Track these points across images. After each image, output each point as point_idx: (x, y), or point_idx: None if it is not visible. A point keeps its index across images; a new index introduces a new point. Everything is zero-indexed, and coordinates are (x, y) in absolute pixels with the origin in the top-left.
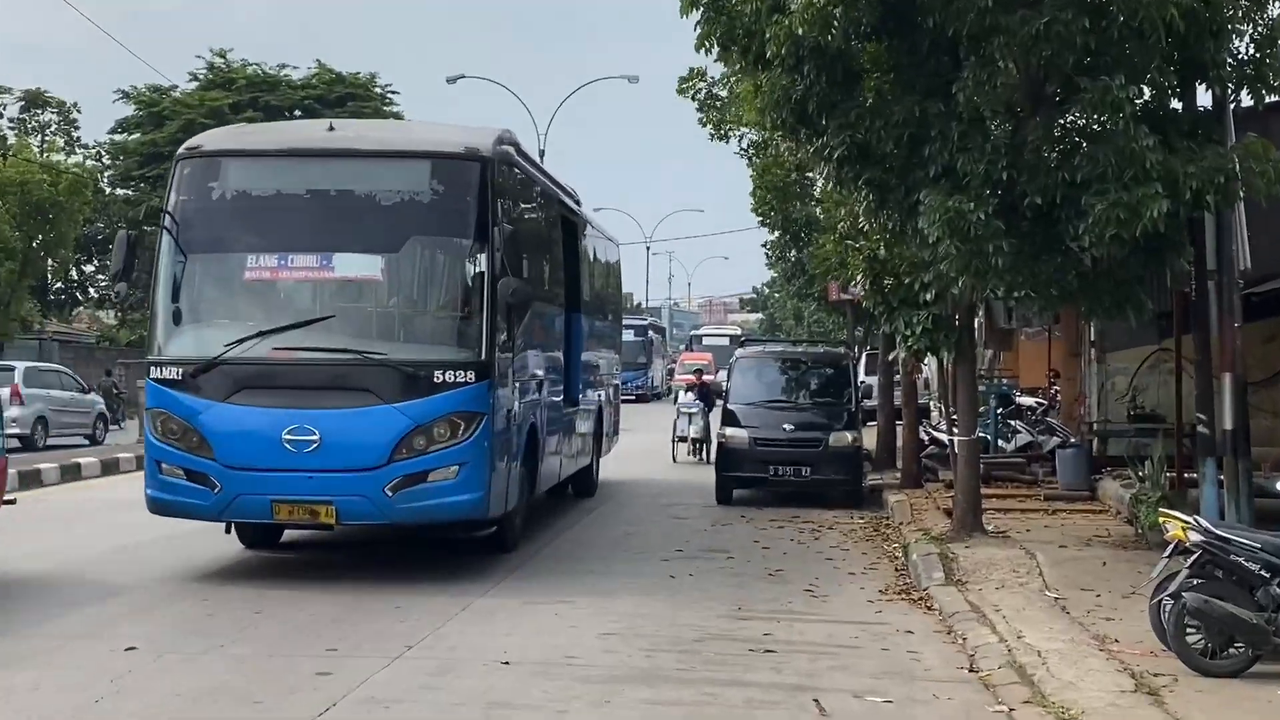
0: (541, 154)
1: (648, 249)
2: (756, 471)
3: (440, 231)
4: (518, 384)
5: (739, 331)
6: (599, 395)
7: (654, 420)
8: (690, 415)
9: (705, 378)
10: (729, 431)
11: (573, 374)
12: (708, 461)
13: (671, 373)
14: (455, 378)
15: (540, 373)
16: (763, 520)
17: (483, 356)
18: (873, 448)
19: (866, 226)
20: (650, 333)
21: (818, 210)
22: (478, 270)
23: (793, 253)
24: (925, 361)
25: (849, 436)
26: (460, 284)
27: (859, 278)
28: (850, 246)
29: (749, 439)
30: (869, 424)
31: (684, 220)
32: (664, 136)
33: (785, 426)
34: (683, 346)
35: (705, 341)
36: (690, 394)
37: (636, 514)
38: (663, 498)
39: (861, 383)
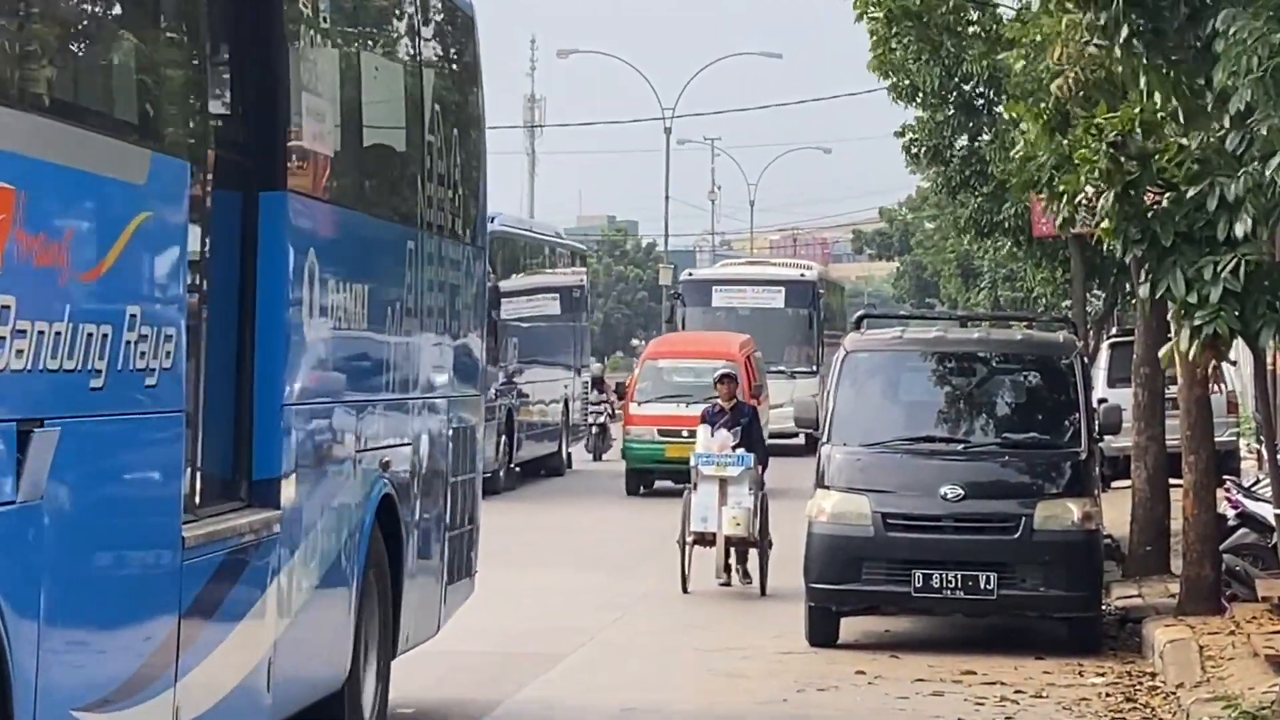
0: None
1: (668, 132)
2: (888, 581)
3: None
4: None
5: (815, 277)
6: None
7: (578, 527)
8: (722, 482)
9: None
10: (833, 503)
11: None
12: (761, 587)
13: (621, 389)
14: None
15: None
16: (901, 680)
17: None
18: (1123, 531)
19: (1108, 83)
20: (575, 277)
21: (1011, 58)
22: None
23: (960, 141)
24: (1231, 359)
25: (1076, 510)
26: None
27: (1092, 189)
28: (1081, 120)
29: (874, 516)
30: (1115, 484)
31: (745, 77)
32: None
33: (945, 491)
34: (675, 317)
35: (727, 300)
36: (719, 431)
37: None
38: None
39: (1100, 400)
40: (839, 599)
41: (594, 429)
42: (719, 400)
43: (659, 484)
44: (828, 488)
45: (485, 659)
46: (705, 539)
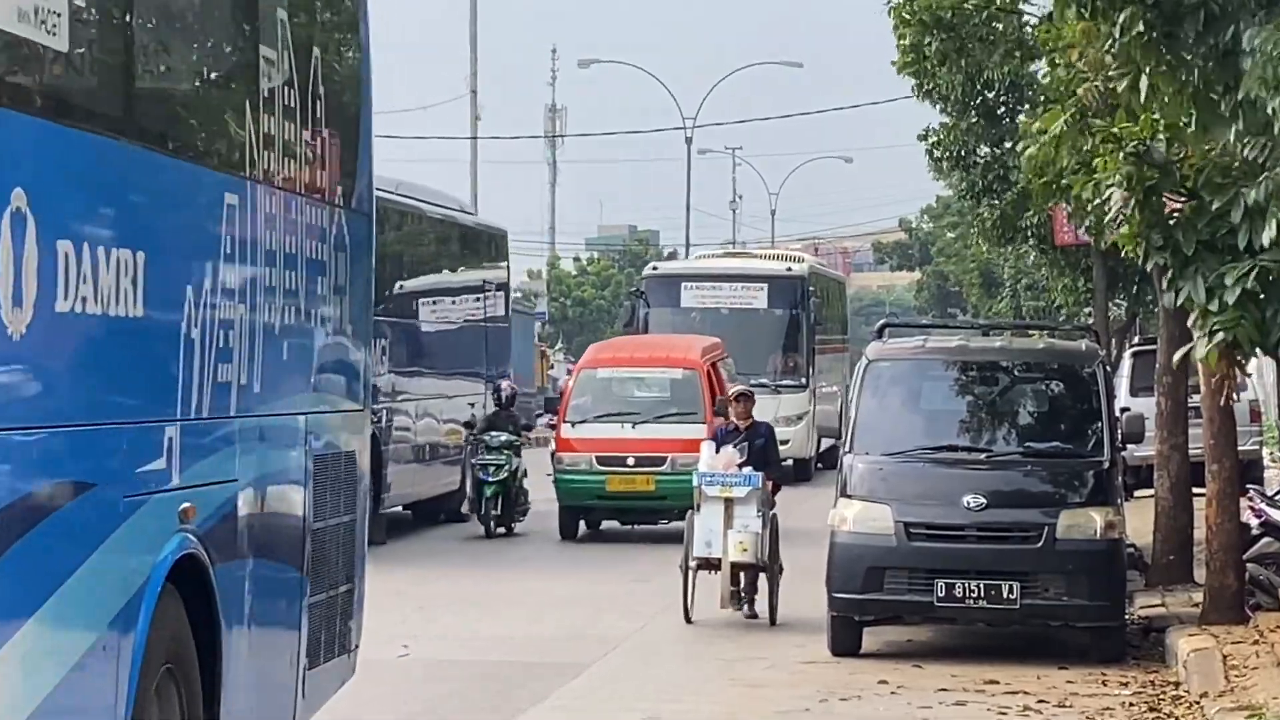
0: None
1: (689, 142)
2: (911, 590)
3: None
4: None
5: (804, 272)
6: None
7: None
8: (728, 503)
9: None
10: (855, 512)
11: None
12: (771, 617)
13: (551, 404)
14: None
15: None
16: (924, 690)
17: None
18: (1146, 540)
19: (1129, 93)
20: (490, 267)
21: (1038, 71)
22: None
23: (982, 149)
24: (1249, 370)
25: (1099, 519)
26: None
27: (1115, 195)
28: (1099, 131)
29: (896, 526)
30: (1138, 493)
31: (766, 86)
32: None
33: (968, 500)
34: (635, 319)
35: (699, 299)
36: (726, 449)
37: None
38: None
39: (1123, 410)
40: (861, 608)
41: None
42: (734, 420)
43: (605, 524)
44: (850, 497)
45: (506, 668)
46: (710, 564)
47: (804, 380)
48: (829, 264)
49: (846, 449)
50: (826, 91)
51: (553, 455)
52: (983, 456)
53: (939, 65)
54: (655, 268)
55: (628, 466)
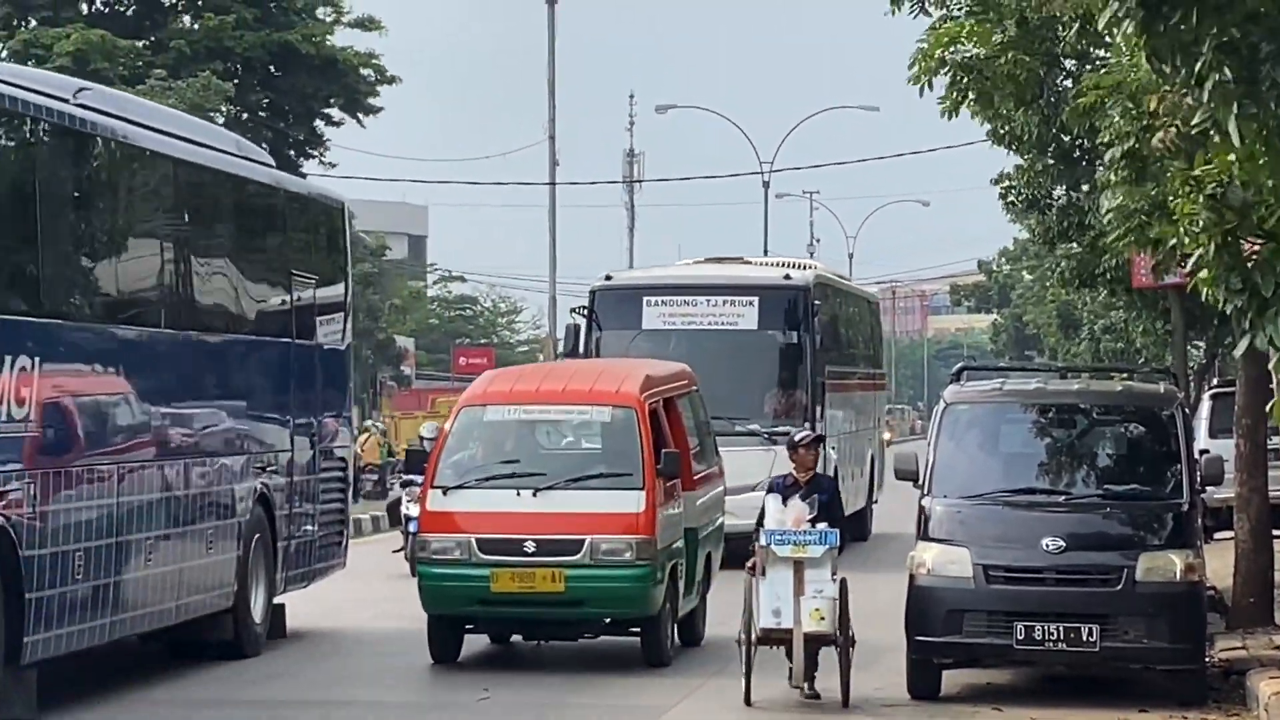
0: None
1: (766, 186)
2: (989, 633)
3: None
4: None
5: (807, 281)
6: None
7: None
8: (798, 565)
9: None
10: (934, 555)
11: None
12: (844, 696)
13: (414, 460)
14: None
15: None
16: None
17: None
18: (1226, 583)
19: (1210, 129)
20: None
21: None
22: None
23: (1058, 191)
24: None
25: (1178, 562)
26: None
27: (1190, 239)
28: (1177, 175)
29: (975, 569)
30: (1217, 536)
31: (842, 130)
32: None
33: (1047, 543)
34: (580, 345)
35: (666, 318)
36: (795, 502)
37: None
38: None
39: (1202, 451)
40: (940, 651)
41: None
42: (792, 472)
43: (477, 641)
44: (929, 540)
45: (587, 711)
46: (777, 637)
47: (807, 422)
48: (907, 306)
49: (925, 491)
50: (903, 134)
51: (414, 536)
52: (1061, 499)
53: (1013, 107)
54: (609, 277)
55: (524, 555)
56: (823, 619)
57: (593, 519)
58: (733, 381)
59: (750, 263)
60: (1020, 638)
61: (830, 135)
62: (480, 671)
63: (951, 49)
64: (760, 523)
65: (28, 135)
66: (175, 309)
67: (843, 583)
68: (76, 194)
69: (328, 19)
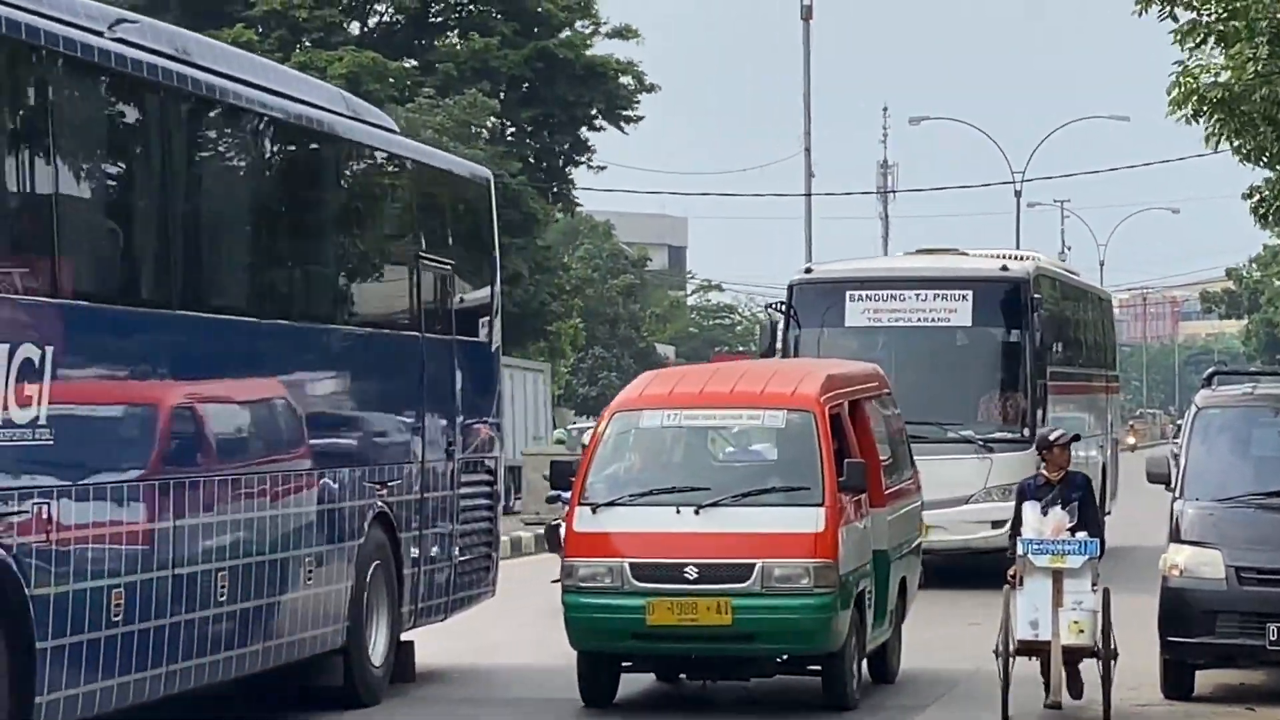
0: (806, 12)
1: (1018, 195)
2: (1242, 634)
3: None
4: None
5: (1026, 273)
6: None
7: None
8: (1057, 575)
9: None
10: (1186, 557)
11: None
12: (1105, 711)
13: (561, 472)
14: None
15: None
16: None
17: None
18: None
19: None
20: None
21: None
22: None
23: None
24: None
25: None
26: None
27: None
28: None
29: (1227, 570)
30: None
31: (1093, 139)
32: None
33: None
34: (777, 344)
35: (871, 314)
36: (1055, 510)
37: None
38: None
39: None
40: (1193, 652)
41: None
42: (1042, 472)
43: (642, 681)
44: (1181, 542)
45: None
46: (1034, 649)
47: (1027, 432)
48: (1158, 313)
49: (1177, 495)
50: (1153, 142)
51: (561, 562)
52: None
53: (1262, 123)
54: (809, 269)
55: (685, 582)
56: (1081, 631)
57: (764, 540)
58: (945, 383)
59: (965, 254)
60: (1273, 639)
61: (1081, 143)
62: (638, 716)
63: (1206, 77)
64: (1016, 531)
65: (42, 80)
66: (252, 293)
67: (1105, 593)
68: (114, 152)
69: (586, 30)
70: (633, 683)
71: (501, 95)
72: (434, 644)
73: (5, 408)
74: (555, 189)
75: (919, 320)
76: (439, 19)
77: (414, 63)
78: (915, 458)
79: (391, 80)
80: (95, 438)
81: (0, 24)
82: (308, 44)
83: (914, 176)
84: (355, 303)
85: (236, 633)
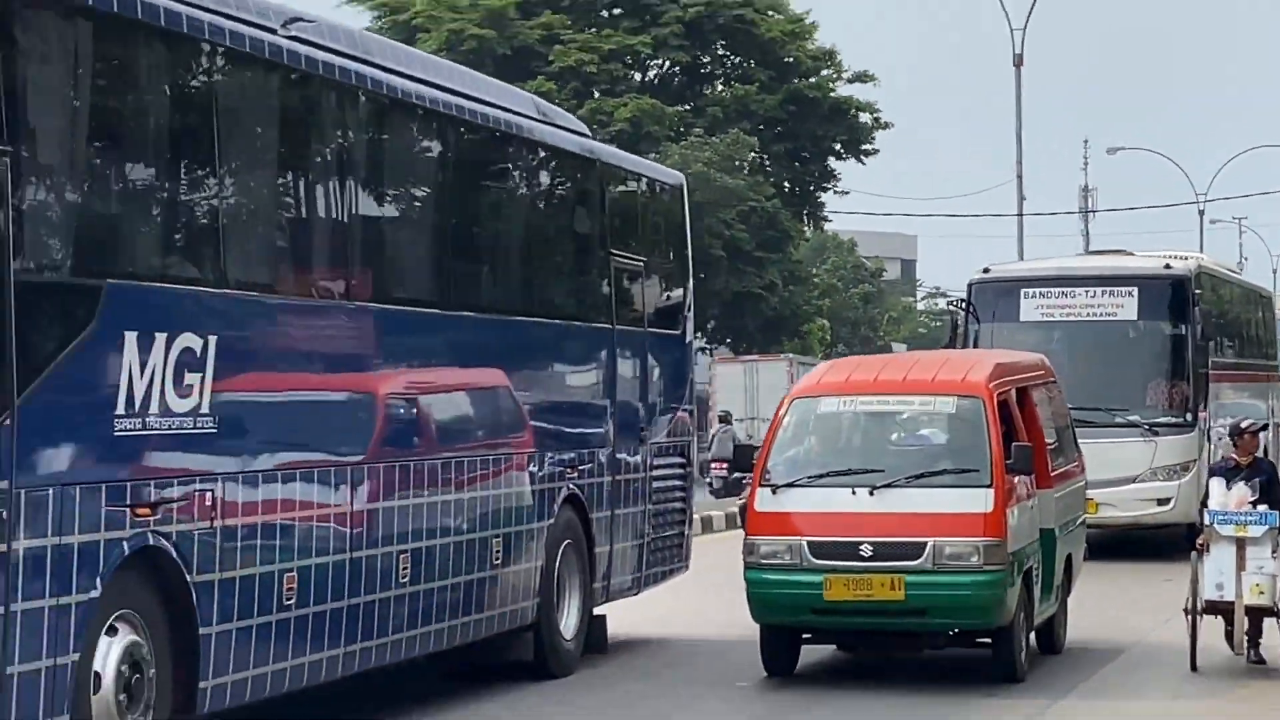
0: (1018, 60)
1: (1201, 214)
2: None
3: None
4: None
5: (1189, 271)
6: None
7: None
8: (1240, 543)
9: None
10: None
11: None
12: None
13: (743, 455)
14: None
15: None
16: None
17: None
18: None
19: None
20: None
21: None
22: None
23: None
24: None
25: None
26: None
27: None
28: None
29: None
30: None
31: (1272, 162)
32: None
33: None
34: (958, 339)
35: (1043, 309)
36: (1238, 485)
37: None
38: None
39: None
40: None
41: None
42: (1234, 456)
43: (823, 652)
44: None
45: None
46: (1219, 608)
47: (1189, 418)
48: None
49: None
50: None
51: (744, 541)
52: None
53: None
54: (987, 270)
55: (860, 559)
56: (1262, 593)
57: (936, 520)
58: (1112, 372)
59: (1131, 254)
60: None
61: (1260, 167)
62: (818, 685)
63: None
64: (1204, 504)
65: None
66: (440, 285)
67: None
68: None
69: (830, 76)
70: (812, 654)
71: (759, 132)
72: (627, 616)
73: (164, 397)
74: (806, 211)
75: (1089, 315)
76: (707, 70)
77: (686, 107)
78: (1086, 441)
79: (668, 122)
80: (261, 426)
81: (180, 21)
82: (596, 94)
83: (1110, 197)
84: (546, 295)
85: (421, 613)
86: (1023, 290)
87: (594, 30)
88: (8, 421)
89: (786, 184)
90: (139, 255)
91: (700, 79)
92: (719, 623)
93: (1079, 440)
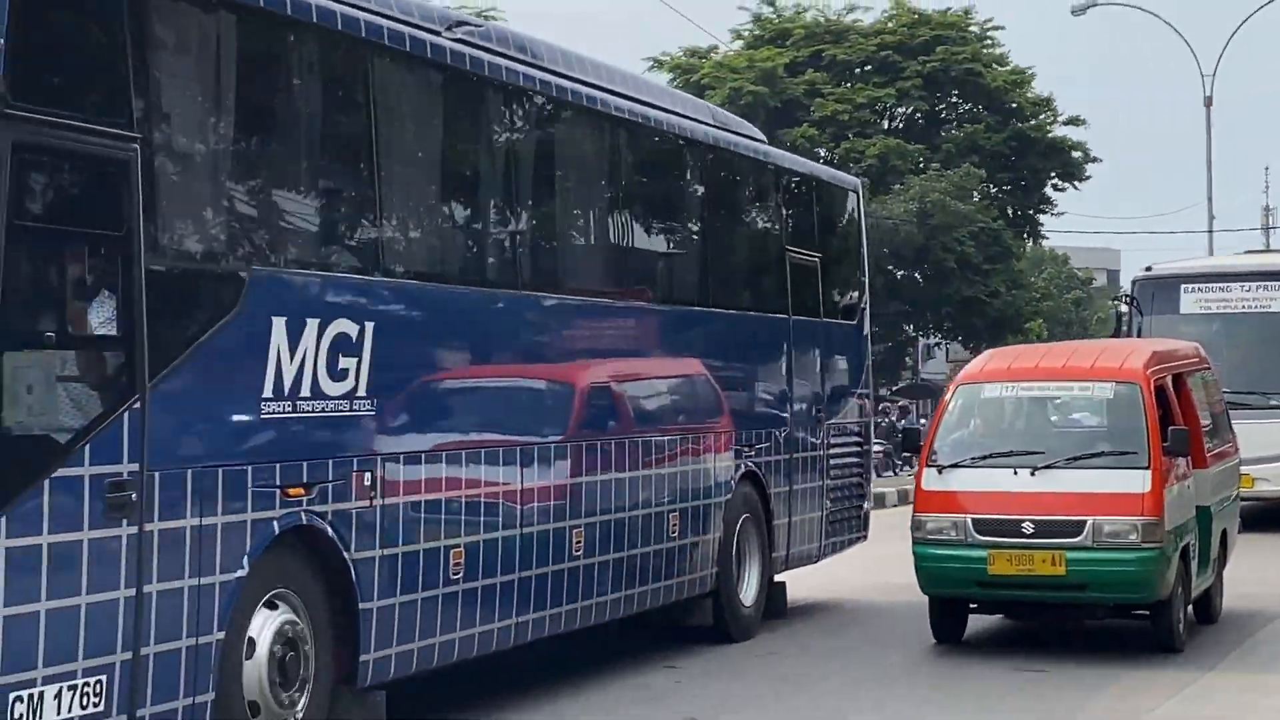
0: (1208, 101)
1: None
2: None
3: None
4: None
5: None
6: None
7: None
8: None
9: None
10: None
11: None
12: None
13: (910, 438)
14: None
15: None
16: None
17: None
18: None
19: None
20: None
21: None
22: None
23: None
24: None
25: None
26: None
27: None
28: None
29: None
30: None
31: None
32: None
33: None
34: (1122, 331)
35: (1202, 303)
36: None
37: None
38: None
39: None
40: None
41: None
42: None
43: (989, 622)
44: None
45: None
46: None
47: None
48: None
49: None
50: None
51: (912, 517)
52: None
53: None
54: (1149, 269)
55: (1023, 536)
56: None
57: (1095, 499)
58: (1267, 360)
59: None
60: None
61: None
62: (983, 651)
63: None
64: None
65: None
66: (615, 278)
67: None
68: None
69: (1047, 119)
70: (978, 621)
71: (987, 165)
72: (810, 581)
73: (316, 380)
74: (1025, 231)
75: (1244, 307)
76: (943, 115)
77: (925, 146)
78: (1241, 422)
79: (909, 159)
80: (425, 409)
81: (334, 19)
82: (850, 136)
83: None
84: (727, 287)
85: (596, 582)
86: (1183, 285)
87: (849, 85)
88: (138, 405)
89: (1010, 209)
90: (290, 245)
91: (937, 122)
92: (894, 591)
93: (1233, 422)
